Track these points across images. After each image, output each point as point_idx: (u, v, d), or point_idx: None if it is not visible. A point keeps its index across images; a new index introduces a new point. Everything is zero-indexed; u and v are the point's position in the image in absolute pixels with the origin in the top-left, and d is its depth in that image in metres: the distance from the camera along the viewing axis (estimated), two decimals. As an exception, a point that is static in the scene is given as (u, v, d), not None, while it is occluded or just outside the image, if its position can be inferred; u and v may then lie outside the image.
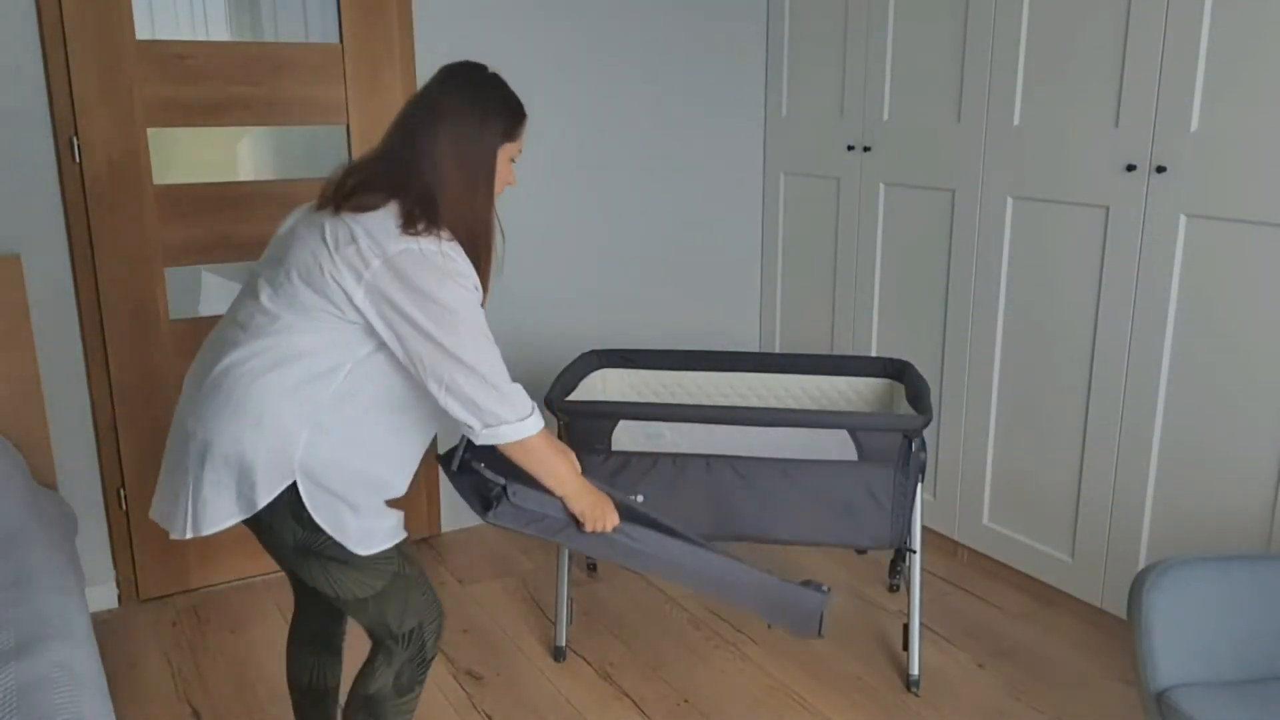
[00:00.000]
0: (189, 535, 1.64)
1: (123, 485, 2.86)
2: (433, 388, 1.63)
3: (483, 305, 1.68)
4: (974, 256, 2.96)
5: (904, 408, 2.61)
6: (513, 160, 1.79)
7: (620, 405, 2.39)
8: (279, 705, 2.45)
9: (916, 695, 2.49)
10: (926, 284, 3.14)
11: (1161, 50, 2.41)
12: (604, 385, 2.91)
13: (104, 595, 2.89)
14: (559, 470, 1.80)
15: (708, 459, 2.38)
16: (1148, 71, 2.44)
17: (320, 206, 1.69)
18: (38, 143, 2.60)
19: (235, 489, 1.62)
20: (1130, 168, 2.51)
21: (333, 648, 2.03)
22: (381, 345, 1.64)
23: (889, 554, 3.20)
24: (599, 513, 1.87)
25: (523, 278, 3.37)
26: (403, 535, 1.76)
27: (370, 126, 3.00)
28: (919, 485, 2.40)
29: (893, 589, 3.01)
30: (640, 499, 2.42)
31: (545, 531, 1.91)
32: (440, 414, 1.71)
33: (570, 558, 2.57)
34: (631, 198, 3.52)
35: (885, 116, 3.20)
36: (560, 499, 1.84)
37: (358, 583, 1.71)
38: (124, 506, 2.87)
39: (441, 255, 1.60)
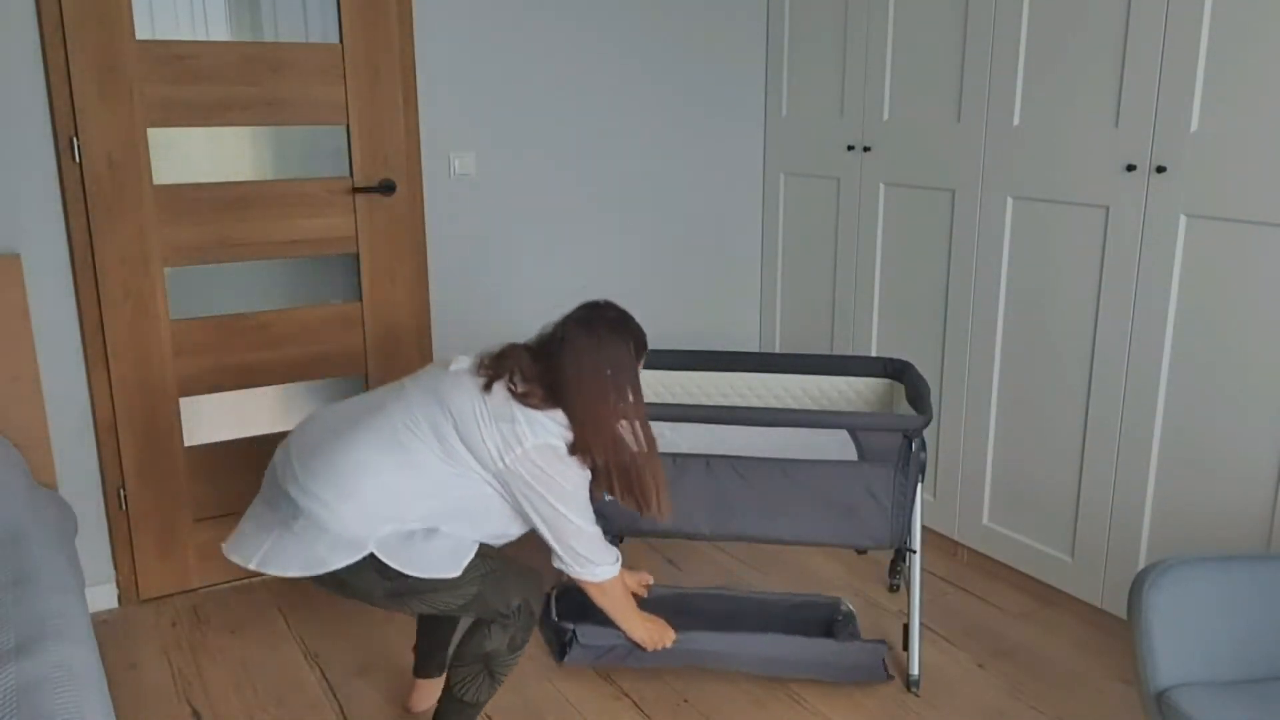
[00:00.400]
0: (253, 566, 1.92)
1: (123, 485, 2.86)
2: (543, 530, 2.03)
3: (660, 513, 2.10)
4: (974, 256, 2.96)
5: (904, 408, 2.61)
6: None
7: (620, 405, 2.39)
8: (279, 705, 2.45)
9: (916, 695, 2.49)
10: (926, 284, 3.14)
11: (1161, 50, 2.41)
12: (604, 385, 2.90)
13: (104, 595, 2.89)
14: (624, 608, 2.22)
15: (708, 459, 2.38)
16: (1148, 71, 2.44)
17: (485, 375, 2.00)
18: (38, 143, 2.60)
19: (308, 551, 1.89)
20: (1130, 168, 2.51)
21: (452, 623, 2.40)
22: (498, 492, 2.00)
23: (889, 554, 3.20)
24: (656, 637, 2.30)
25: (523, 278, 3.37)
26: (477, 540, 2.02)
27: (370, 126, 3.00)
28: (919, 485, 2.40)
29: (893, 589, 3.01)
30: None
31: (615, 659, 2.39)
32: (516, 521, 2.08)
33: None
34: (631, 198, 3.52)
35: (885, 116, 3.20)
36: (624, 630, 2.26)
37: (456, 595, 1.96)
38: (124, 506, 2.87)
39: (569, 460, 1.99)
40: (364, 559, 1.88)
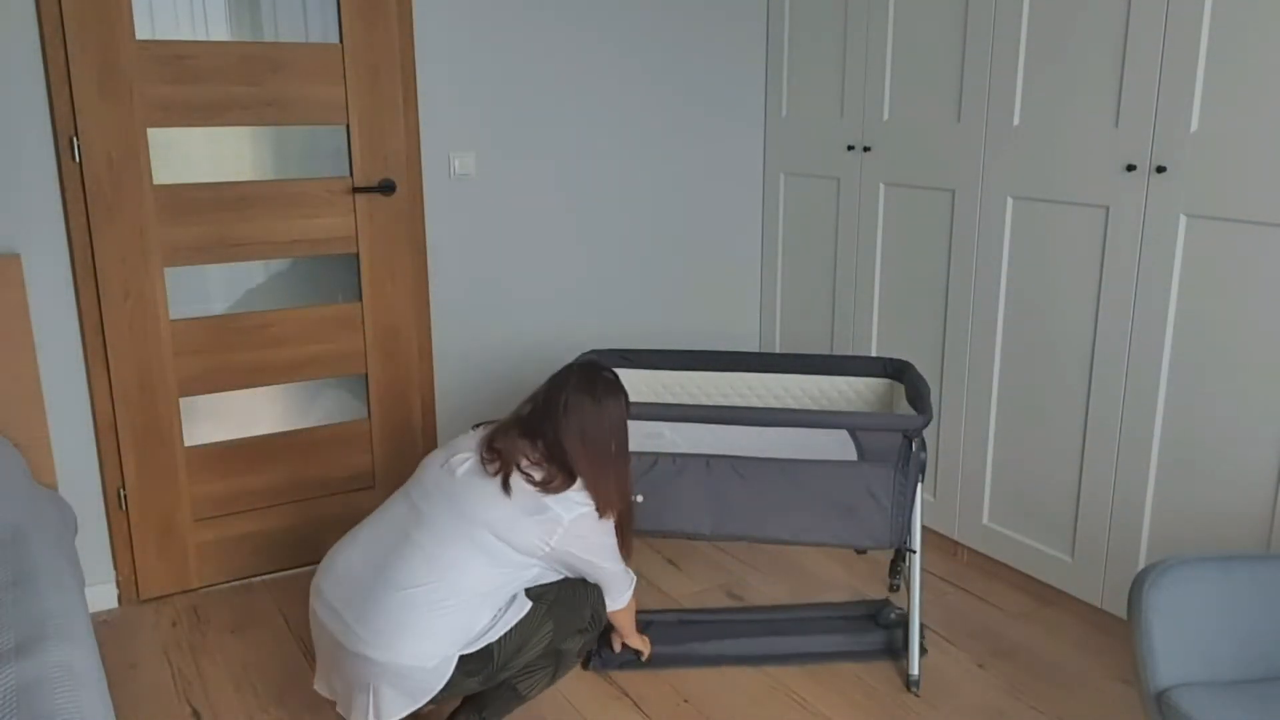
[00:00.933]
0: None
1: (123, 485, 2.86)
2: (586, 578, 2.20)
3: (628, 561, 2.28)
4: (974, 256, 2.96)
5: (904, 408, 2.61)
6: None
7: (620, 405, 2.39)
8: (279, 706, 2.45)
9: (916, 695, 2.49)
10: (926, 284, 3.14)
11: (1161, 50, 2.41)
12: (604, 385, 2.91)
13: (104, 595, 2.90)
14: (631, 622, 2.45)
15: (708, 459, 2.38)
16: (1148, 71, 2.44)
17: (497, 474, 2.07)
18: (38, 143, 2.60)
19: (411, 694, 1.98)
20: (1130, 168, 2.51)
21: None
22: (544, 566, 2.13)
23: (889, 554, 3.20)
24: (645, 649, 2.53)
25: (523, 278, 3.37)
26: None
27: (370, 126, 3.00)
28: (919, 485, 2.40)
29: (893, 589, 3.01)
30: (640, 499, 2.43)
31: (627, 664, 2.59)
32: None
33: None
34: (631, 198, 3.52)
35: (885, 116, 3.20)
36: (626, 636, 2.47)
37: (537, 639, 2.10)
38: (124, 506, 2.87)
39: (593, 517, 2.13)
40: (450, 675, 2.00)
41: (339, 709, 2.09)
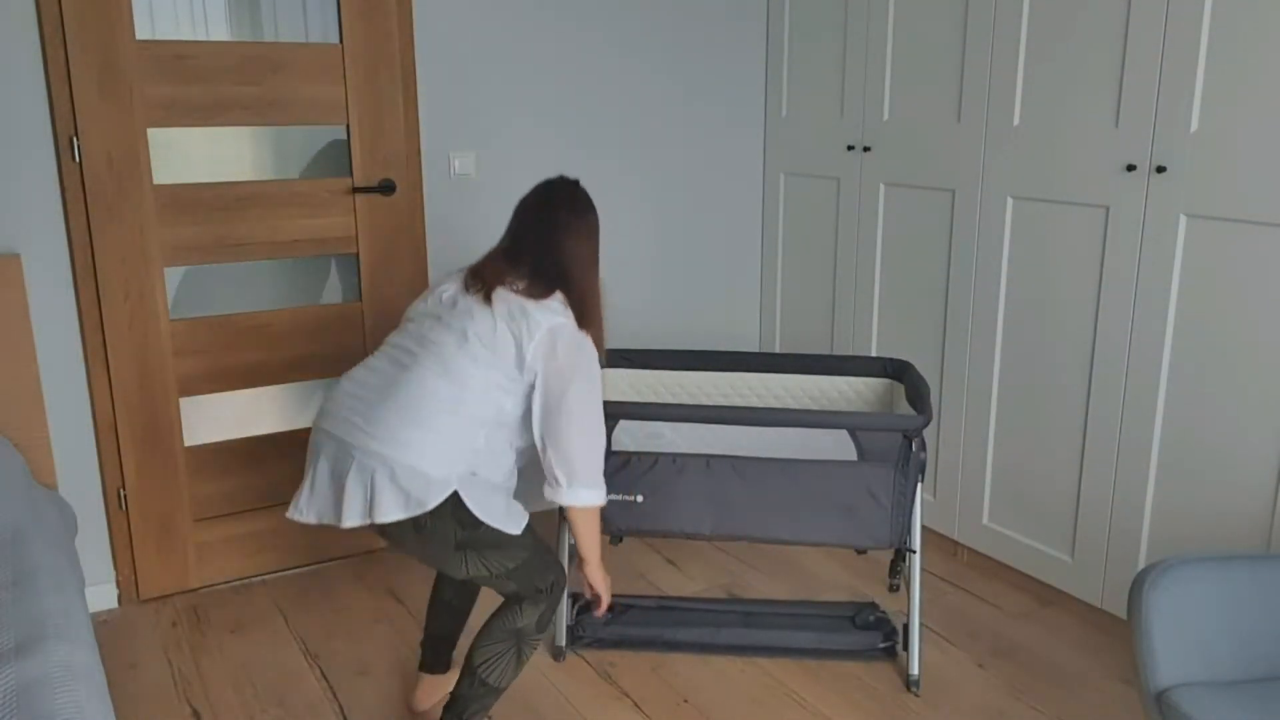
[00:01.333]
0: (355, 523, 1.97)
1: (123, 485, 2.86)
2: (550, 442, 2.07)
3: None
4: (974, 256, 2.96)
5: (904, 408, 2.61)
6: None
7: (620, 405, 2.40)
8: (279, 705, 2.45)
9: (916, 695, 2.49)
10: (926, 284, 3.14)
11: (1161, 50, 2.41)
12: (604, 385, 2.91)
13: (104, 595, 2.90)
14: (595, 542, 2.21)
15: (708, 459, 2.38)
16: (1148, 71, 2.44)
17: (480, 291, 2.10)
18: (38, 143, 2.60)
19: (407, 495, 1.95)
20: (1130, 168, 2.51)
21: (465, 611, 2.45)
22: (518, 400, 2.09)
23: (889, 554, 3.20)
24: (606, 588, 2.28)
25: (523, 278, 3.36)
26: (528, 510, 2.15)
27: (370, 126, 3.00)
28: (919, 485, 2.40)
29: (893, 589, 3.01)
30: (640, 499, 2.43)
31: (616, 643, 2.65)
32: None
33: (570, 558, 2.57)
34: (631, 198, 3.52)
35: (885, 116, 3.20)
36: (588, 562, 2.23)
37: (509, 557, 2.06)
38: (124, 506, 2.87)
39: (584, 341, 2.10)
40: (446, 503, 1.96)
41: (318, 520, 2.05)
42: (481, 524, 2.01)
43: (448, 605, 2.42)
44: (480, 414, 2.04)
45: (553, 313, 2.07)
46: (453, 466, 1.99)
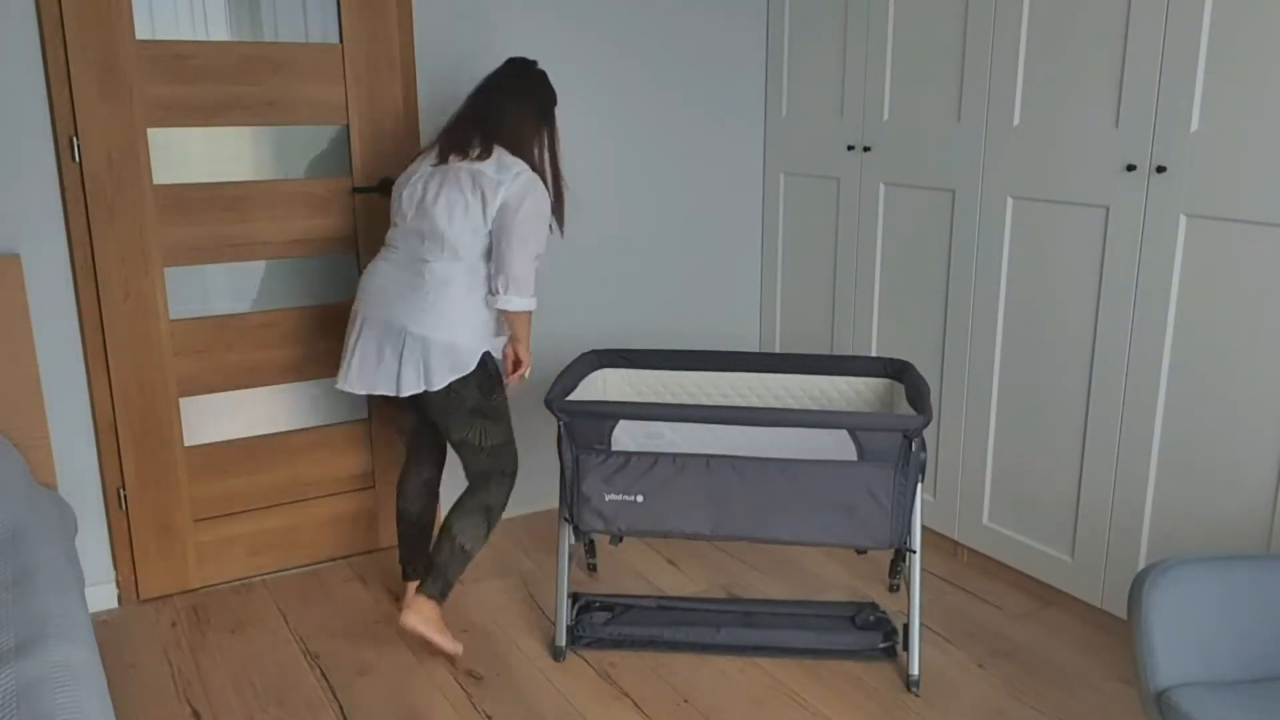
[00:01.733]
0: (411, 392, 2.47)
1: (123, 485, 2.86)
2: (498, 264, 2.47)
3: (560, 231, 2.67)
4: (974, 256, 2.96)
5: (904, 408, 2.61)
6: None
7: (620, 405, 2.40)
8: (279, 705, 2.45)
9: (916, 695, 2.49)
10: (926, 284, 3.14)
11: (1161, 50, 2.41)
12: (604, 385, 2.91)
13: (104, 595, 2.90)
14: (526, 334, 2.59)
15: (708, 459, 2.38)
16: (1148, 71, 2.44)
17: (445, 170, 2.51)
18: (38, 143, 2.60)
19: (452, 364, 2.46)
20: (1130, 168, 2.51)
21: (435, 492, 2.83)
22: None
23: (889, 554, 3.20)
24: (528, 361, 2.63)
25: (523, 278, 3.36)
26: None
27: (370, 126, 3.00)
28: (919, 485, 2.40)
29: (893, 589, 3.01)
30: (640, 499, 2.43)
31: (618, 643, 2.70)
32: None
33: (570, 557, 2.57)
34: (631, 198, 3.52)
35: (885, 116, 3.20)
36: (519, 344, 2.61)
37: (498, 433, 2.59)
38: (124, 506, 2.87)
39: (533, 180, 2.49)
40: (476, 369, 2.49)
41: (368, 391, 2.52)
42: (494, 392, 2.55)
43: (416, 522, 2.80)
44: (484, 279, 2.50)
45: (504, 167, 2.47)
46: (479, 338, 2.49)
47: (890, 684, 2.53)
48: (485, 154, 2.48)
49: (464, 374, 2.47)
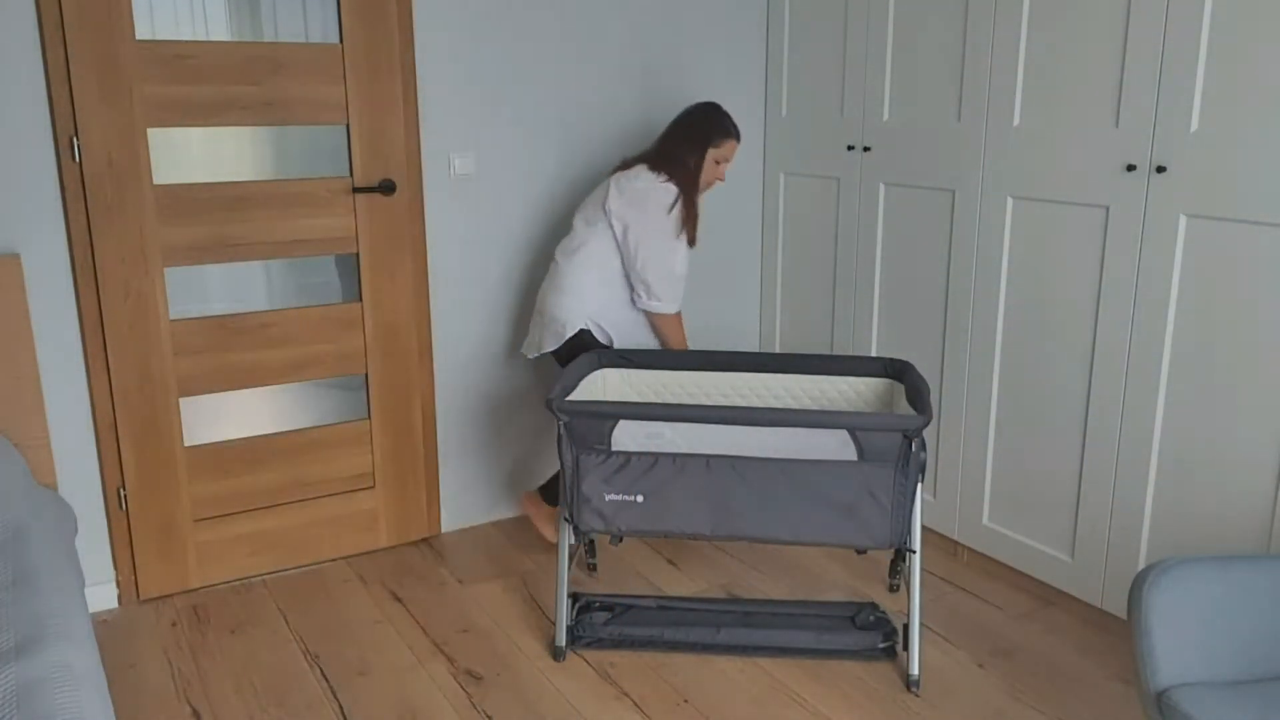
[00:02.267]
0: (539, 355, 3.06)
1: (123, 485, 2.86)
2: (634, 268, 2.92)
3: (691, 241, 2.99)
4: (974, 256, 2.96)
5: (904, 408, 2.61)
6: (718, 163, 3.00)
7: (620, 405, 2.39)
8: (279, 705, 2.45)
9: (916, 695, 2.49)
10: (926, 284, 3.14)
11: (1161, 50, 2.41)
12: (604, 385, 2.91)
13: (104, 595, 2.90)
14: (677, 339, 3.06)
15: (708, 459, 2.38)
16: (1148, 71, 2.44)
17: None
18: (38, 143, 2.60)
19: (559, 335, 2.95)
20: (1130, 168, 2.51)
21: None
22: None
23: (889, 554, 3.20)
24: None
25: (523, 279, 3.37)
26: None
27: (370, 126, 3.00)
28: (919, 485, 2.40)
29: (893, 589, 3.01)
30: (640, 499, 2.43)
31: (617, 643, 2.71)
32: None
33: (570, 557, 2.57)
34: (631, 198, 3.51)
35: (885, 116, 3.20)
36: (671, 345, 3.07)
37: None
38: (124, 506, 2.87)
39: (662, 190, 2.89)
40: (574, 337, 2.94)
41: (535, 354, 3.04)
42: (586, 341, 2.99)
43: None
44: (606, 270, 2.93)
45: (631, 176, 2.89)
46: (581, 314, 2.93)
47: (890, 684, 2.53)
48: (636, 166, 2.93)
49: (563, 338, 2.97)
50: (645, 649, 2.67)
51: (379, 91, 3.00)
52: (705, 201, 3.67)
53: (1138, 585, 1.80)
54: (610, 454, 2.41)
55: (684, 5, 3.47)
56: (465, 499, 3.43)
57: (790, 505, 2.38)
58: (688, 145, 2.93)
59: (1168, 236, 2.45)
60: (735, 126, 2.98)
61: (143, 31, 2.68)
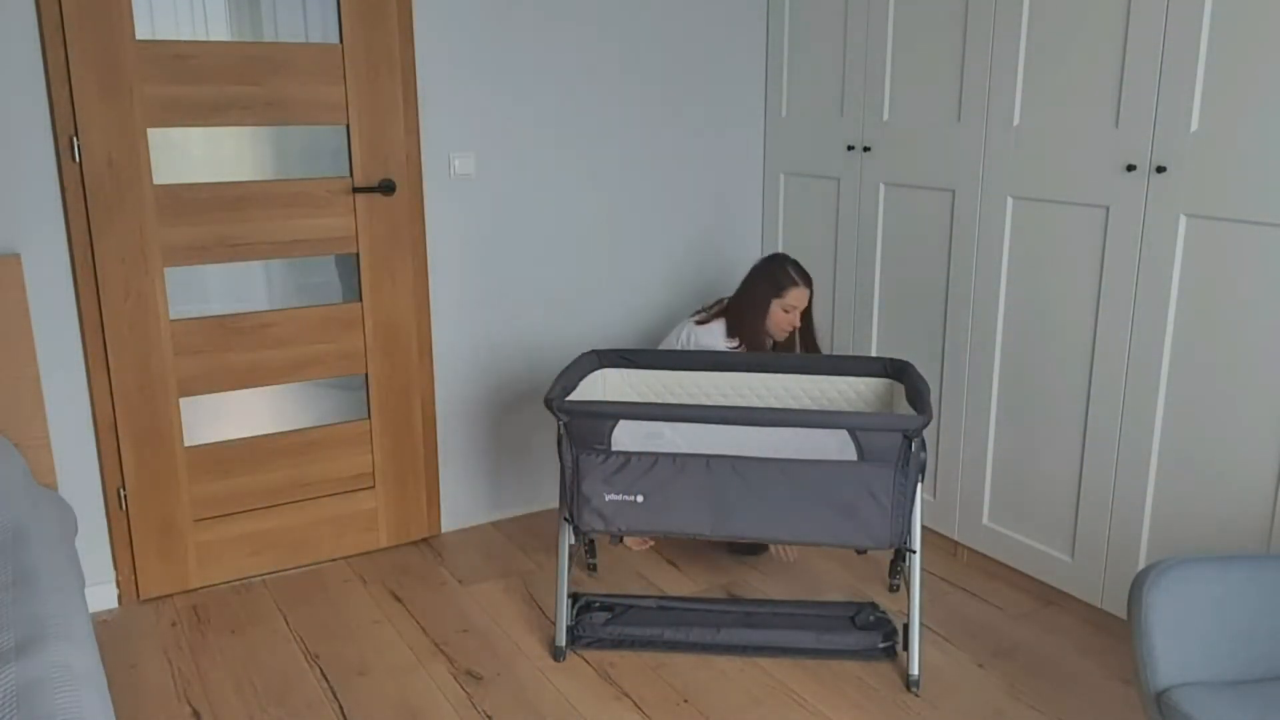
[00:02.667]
0: None
1: (123, 485, 2.86)
2: None
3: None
4: (974, 256, 2.96)
5: (904, 408, 2.61)
6: (786, 311, 3.07)
7: (620, 405, 2.39)
8: (279, 705, 2.45)
9: (916, 695, 2.49)
10: (926, 284, 3.14)
11: (1161, 50, 2.41)
12: (604, 385, 2.91)
13: (104, 595, 2.90)
14: None
15: (708, 459, 2.38)
16: (1148, 71, 2.44)
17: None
18: (38, 143, 2.60)
19: None
20: (1130, 168, 2.51)
21: None
22: None
23: (889, 554, 3.20)
24: None
25: (523, 278, 3.37)
26: None
27: (370, 126, 3.00)
28: (919, 485, 2.40)
29: (893, 589, 3.01)
30: (640, 499, 2.43)
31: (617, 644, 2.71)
32: None
33: (570, 557, 2.57)
34: (632, 198, 3.52)
35: (885, 116, 3.20)
36: None
37: None
38: (124, 506, 2.87)
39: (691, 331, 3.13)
40: None
41: None
42: None
43: None
44: None
45: (704, 333, 3.09)
46: None
47: (890, 684, 2.53)
48: (706, 317, 3.16)
49: None
50: (645, 649, 2.67)
51: (379, 91, 3.00)
52: (705, 203, 3.68)
53: (1138, 585, 1.80)
54: (610, 454, 2.41)
55: (684, 5, 3.47)
56: (465, 499, 3.43)
57: (790, 505, 2.38)
58: (753, 309, 3.06)
59: (1167, 236, 2.45)
60: (798, 274, 3.05)
61: (143, 31, 2.68)
